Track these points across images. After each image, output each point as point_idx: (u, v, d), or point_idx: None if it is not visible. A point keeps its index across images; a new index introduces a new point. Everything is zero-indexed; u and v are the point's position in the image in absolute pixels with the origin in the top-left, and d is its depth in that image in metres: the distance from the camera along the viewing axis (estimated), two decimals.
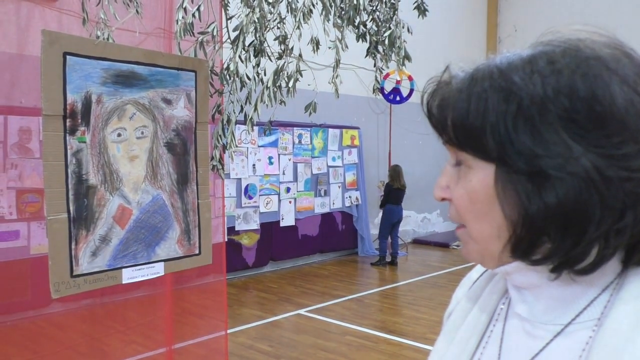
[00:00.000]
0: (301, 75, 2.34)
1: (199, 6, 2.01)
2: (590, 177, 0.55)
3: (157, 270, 1.98)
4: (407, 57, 2.68)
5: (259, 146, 7.42)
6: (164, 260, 2.01)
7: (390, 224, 8.08)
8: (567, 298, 0.62)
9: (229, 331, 3.66)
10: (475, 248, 0.65)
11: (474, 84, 0.61)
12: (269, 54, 2.25)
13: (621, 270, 0.62)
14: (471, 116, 0.60)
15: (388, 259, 8.15)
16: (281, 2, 2.22)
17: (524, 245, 0.60)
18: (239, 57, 2.08)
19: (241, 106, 2.24)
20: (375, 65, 2.73)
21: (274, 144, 7.61)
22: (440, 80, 0.66)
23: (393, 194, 8.01)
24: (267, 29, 2.19)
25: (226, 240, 5.25)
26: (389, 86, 8.11)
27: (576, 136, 0.56)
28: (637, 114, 0.56)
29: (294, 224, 7.91)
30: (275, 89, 2.20)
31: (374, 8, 2.60)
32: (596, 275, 0.60)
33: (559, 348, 0.61)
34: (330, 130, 8.36)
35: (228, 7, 2.23)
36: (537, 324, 0.64)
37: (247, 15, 2.02)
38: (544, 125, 0.56)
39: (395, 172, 8.05)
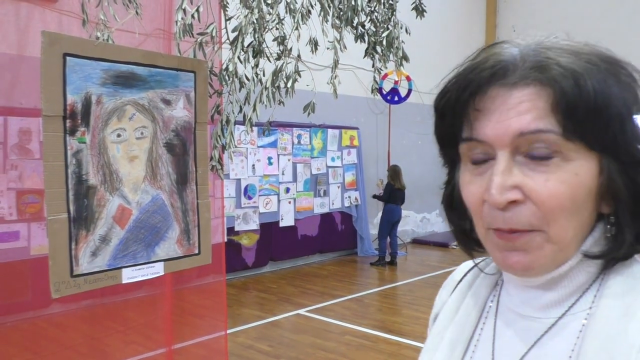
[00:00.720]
0: (300, 76, 2.35)
1: (198, 7, 2.02)
2: None
3: (156, 270, 1.99)
4: (405, 57, 2.70)
5: (258, 146, 7.43)
6: (164, 260, 2.02)
7: (390, 224, 8.10)
8: (565, 294, 0.63)
9: (228, 331, 3.67)
10: (550, 252, 0.59)
11: (592, 69, 0.56)
12: (268, 54, 2.26)
13: (604, 265, 0.63)
14: (599, 104, 0.55)
15: (387, 259, 8.16)
16: (280, 3, 2.23)
17: (627, 237, 0.59)
18: (238, 57, 2.09)
19: (240, 107, 2.25)
20: (373, 66, 2.74)
21: (273, 144, 7.62)
22: (496, 60, 0.58)
23: (394, 194, 8.02)
24: (266, 29, 2.20)
25: (226, 240, 5.26)
26: (387, 86, 8.12)
27: None
28: None
29: (293, 224, 7.92)
30: (274, 90, 2.21)
31: (372, 9, 2.61)
32: (593, 269, 0.62)
33: (553, 340, 0.62)
34: (330, 130, 8.37)
35: (227, 8, 2.24)
36: (530, 318, 0.65)
37: (246, 16, 2.03)
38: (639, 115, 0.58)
39: (394, 172, 8.07)
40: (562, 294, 0.63)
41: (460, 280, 0.79)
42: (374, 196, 8.45)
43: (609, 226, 0.60)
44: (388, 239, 8.18)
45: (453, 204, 0.70)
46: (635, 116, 0.57)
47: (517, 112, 0.57)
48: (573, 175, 0.56)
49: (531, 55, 0.57)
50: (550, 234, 0.58)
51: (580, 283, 0.63)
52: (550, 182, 0.56)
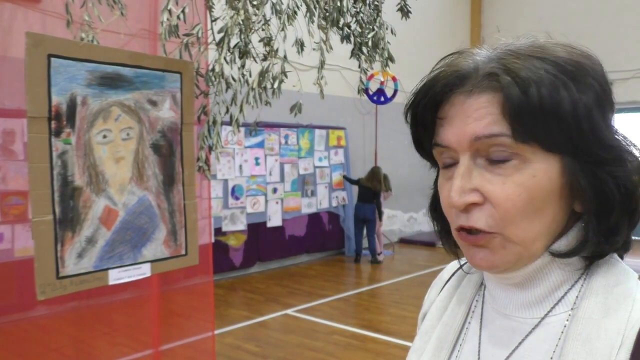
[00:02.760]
0: (286, 77, 2.35)
1: (184, 8, 2.02)
2: (637, 163, 0.60)
3: (143, 271, 1.99)
4: (390, 58, 2.72)
5: (245, 147, 7.42)
6: (151, 261, 2.02)
7: (357, 221, 8.28)
8: (543, 293, 0.64)
9: (216, 332, 3.66)
10: (514, 251, 0.61)
11: (541, 74, 0.57)
12: (254, 55, 2.26)
13: (587, 263, 0.64)
14: (561, 105, 0.57)
15: (372, 258, 8.26)
16: (266, 4, 2.24)
17: (591, 236, 0.60)
18: (224, 58, 2.09)
19: (227, 107, 2.25)
20: (359, 67, 2.75)
21: (261, 144, 7.61)
22: (454, 69, 0.62)
23: (361, 190, 8.19)
24: (252, 30, 2.21)
25: (213, 241, 5.24)
26: (373, 87, 8.15)
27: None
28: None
29: (281, 224, 7.92)
30: (260, 90, 2.22)
31: (358, 10, 2.62)
32: (571, 268, 0.63)
33: (537, 339, 0.63)
34: (317, 130, 8.38)
35: (213, 9, 2.25)
36: (514, 318, 0.66)
37: (231, 17, 2.04)
38: (609, 115, 0.59)
39: (371, 173, 8.18)
40: (538, 293, 0.64)
41: (448, 280, 0.80)
42: (344, 176, 8.65)
43: (583, 224, 0.62)
44: (363, 237, 8.37)
45: (436, 205, 0.72)
46: (598, 116, 0.59)
47: (474, 118, 0.59)
48: (530, 177, 0.58)
49: (486, 62, 0.60)
50: (509, 235, 0.60)
51: (557, 282, 0.64)
52: (506, 184, 0.59)
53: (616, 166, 0.58)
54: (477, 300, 0.73)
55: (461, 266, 0.78)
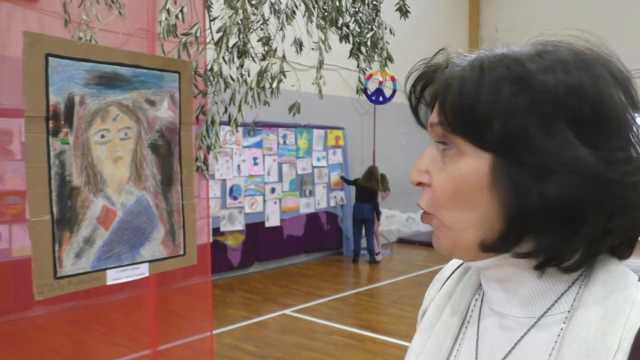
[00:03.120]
0: (285, 76, 2.35)
1: (182, 7, 2.01)
2: (592, 177, 0.56)
3: (141, 271, 1.98)
4: (389, 58, 2.71)
5: (243, 147, 7.41)
6: (149, 261, 2.01)
7: (355, 221, 8.27)
8: (540, 292, 0.64)
9: (214, 332, 3.66)
10: (448, 236, 0.65)
11: (485, 70, 0.59)
12: (253, 55, 2.26)
13: (584, 266, 0.63)
14: (481, 103, 0.58)
15: (368, 258, 8.27)
16: (264, 3, 2.23)
17: (512, 237, 0.60)
18: (223, 58, 2.09)
19: (225, 107, 2.25)
20: (358, 66, 2.75)
21: (259, 144, 7.61)
22: (431, 63, 0.66)
23: (358, 190, 8.19)
24: (251, 30, 2.20)
25: (211, 241, 5.23)
26: (372, 87, 8.15)
27: (582, 136, 0.57)
28: (627, 123, 0.59)
29: (279, 224, 7.91)
30: (259, 90, 2.21)
31: (357, 10, 2.62)
32: (521, 265, 0.63)
33: (533, 340, 0.63)
34: (315, 130, 8.38)
35: (211, 9, 2.24)
36: (511, 317, 0.66)
37: (230, 17, 2.03)
38: (554, 121, 0.57)
39: (368, 172, 8.18)
40: (523, 293, 0.64)
41: (449, 277, 0.80)
42: (342, 177, 8.65)
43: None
44: (362, 237, 8.40)
45: None
46: (532, 120, 0.57)
47: (435, 107, 0.65)
48: (460, 169, 0.61)
49: (453, 59, 0.65)
50: (441, 218, 0.64)
51: (534, 282, 0.63)
52: (442, 172, 0.63)
53: (545, 173, 0.57)
54: (476, 299, 0.73)
55: (462, 263, 0.78)
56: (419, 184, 0.66)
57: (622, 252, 0.64)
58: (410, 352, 0.75)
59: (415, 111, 0.70)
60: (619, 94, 0.59)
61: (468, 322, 0.72)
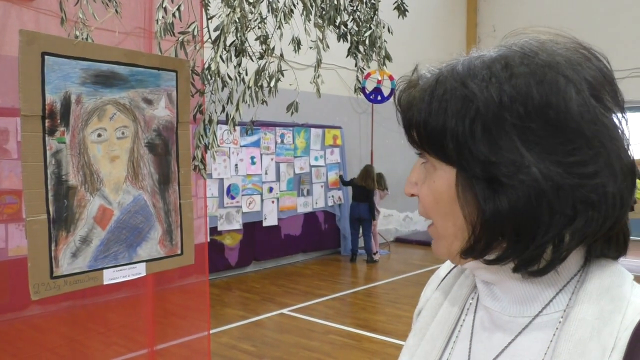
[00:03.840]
0: (283, 75, 2.34)
1: (179, 6, 2.00)
2: (539, 185, 0.56)
3: (138, 270, 1.97)
4: (387, 57, 2.71)
5: (241, 146, 7.40)
6: (146, 261, 2.00)
7: (352, 220, 8.28)
8: (534, 291, 0.64)
9: (211, 331, 3.65)
10: (442, 244, 0.67)
11: (437, 87, 0.62)
12: (250, 53, 2.25)
13: (584, 262, 0.64)
14: (432, 119, 0.61)
15: (366, 257, 8.28)
16: (262, 2, 2.22)
17: (480, 245, 0.61)
18: (220, 57, 2.08)
19: (223, 106, 2.24)
20: (356, 65, 2.74)
21: (256, 143, 7.60)
22: (410, 80, 0.68)
23: (355, 190, 8.18)
24: (248, 28, 2.19)
25: (208, 240, 5.22)
26: (370, 86, 8.15)
27: (530, 143, 0.57)
28: (592, 120, 0.57)
29: (276, 223, 7.91)
30: (256, 89, 2.20)
31: (355, 8, 2.62)
32: (560, 269, 0.62)
33: (528, 340, 0.63)
34: (313, 129, 8.37)
35: (208, 7, 2.23)
36: (506, 317, 0.66)
37: (227, 15, 2.02)
38: (500, 132, 0.57)
39: (363, 171, 8.19)
40: (513, 292, 0.65)
41: (445, 277, 0.80)
42: (340, 176, 8.67)
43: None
44: (359, 237, 8.41)
45: None
46: (476, 132, 0.59)
47: None
48: (434, 182, 0.65)
49: (422, 74, 0.67)
50: (436, 227, 0.67)
51: (547, 283, 0.63)
52: (424, 185, 0.66)
53: (496, 184, 0.58)
54: (472, 298, 0.74)
55: None
56: (413, 195, 0.69)
57: (615, 252, 0.64)
58: (405, 351, 0.76)
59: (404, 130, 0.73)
60: (583, 96, 0.57)
61: (464, 320, 0.73)
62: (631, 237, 0.67)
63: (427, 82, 0.64)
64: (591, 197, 0.57)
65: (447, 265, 0.82)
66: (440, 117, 0.61)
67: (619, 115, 0.61)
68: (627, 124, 0.61)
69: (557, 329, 0.61)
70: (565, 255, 0.60)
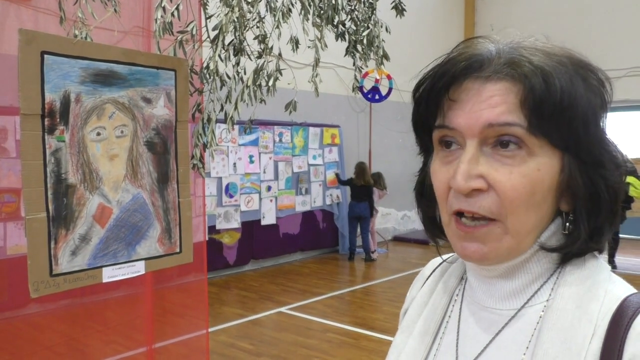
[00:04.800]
0: (281, 74, 2.35)
1: (178, 5, 2.01)
2: (619, 164, 0.63)
3: (137, 269, 1.98)
4: (385, 56, 2.72)
5: (239, 145, 7.40)
6: (145, 259, 2.01)
7: (351, 219, 8.28)
8: (521, 285, 0.66)
9: (210, 330, 3.66)
10: (507, 244, 0.62)
11: (561, 70, 0.59)
12: (249, 53, 2.26)
13: (562, 257, 0.66)
14: (564, 103, 0.58)
15: (364, 256, 8.28)
16: (260, 1, 2.23)
17: (578, 233, 0.63)
18: (219, 56, 2.09)
19: (221, 105, 2.24)
20: (354, 64, 2.75)
21: (255, 142, 7.60)
22: (474, 54, 0.61)
23: (353, 189, 8.19)
24: (247, 28, 2.20)
25: (207, 239, 5.23)
26: (368, 85, 8.16)
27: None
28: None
29: (275, 222, 7.91)
30: (255, 88, 2.21)
31: (353, 8, 2.62)
32: (545, 261, 0.65)
33: (513, 331, 0.65)
34: (311, 128, 8.38)
35: (207, 6, 2.24)
36: (492, 310, 0.68)
37: (226, 15, 2.03)
38: (600, 119, 0.62)
39: (359, 169, 8.19)
40: (518, 285, 0.66)
41: (429, 276, 0.82)
42: (337, 174, 8.63)
43: (567, 223, 0.63)
44: (357, 235, 8.41)
45: (424, 191, 0.73)
46: (601, 119, 0.62)
47: (489, 104, 0.59)
48: (535, 170, 0.59)
49: (506, 52, 0.60)
50: (509, 225, 0.60)
51: (536, 275, 0.66)
52: (513, 174, 0.59)
53: (609, 169, 0.61)
54: (457, 295, 0.75)
55: (443, 261, 0.80)
56: (474, 190, 0.60)
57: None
58: (393, 350, 0.77)
59: (427, 113, 0.65)
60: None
61: (449, 317, 0.74)
62: (630, 236, 0.70)
63: (544, 62, 0.59)
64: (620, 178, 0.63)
65: (431, 265, 0.84)
66: (572, 100, 0.58)
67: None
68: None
69: (540, 317, 0.63)
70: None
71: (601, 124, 0.62)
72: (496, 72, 0.59)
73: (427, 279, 0.81)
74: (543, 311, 0.64)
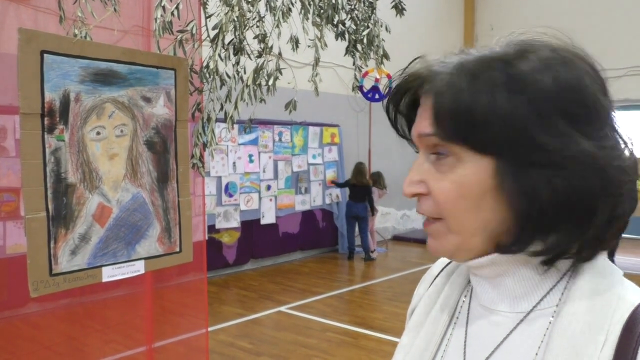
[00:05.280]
0: (281, 74, 2.35)
1: (178, 4, 2.01)
2: (596, 166, 0.58)
3: (137, 268, 1.98)
4: (385, 55, 2.72)
5: (239, 144, 7.40)
6: (145, 259, 2.01)
7: (348, 219, 8.31)
8: (530, 287, 0.65)
9: (209, 329, 3.66)
10: (453, 241, 0.65)
11: (477, 75, 0.60)
12: (249, 52, 2.26)
13: (572, 262, 0.64)
14: (479, 109, 0.59)
15: (363, 255, 8.29)
16: (260, 0, 2.23)
17: (527, 236, 0.61)
18: (219, 55, 2.09)
19: (221, 104, 2.24)
20: (354, 64, 2.75)
21: (254, 141, 7.60)
22: (410, 73, 0.67)
23: (351, 189, 8.21)
24: (247, 27, 2.20)
25: (206, 238, 5.23)
26: (368, 84, 8.15)
27: (580, 128, 0.59)
28: (606, 112, 0.61)
29: (274, 221, 7.91)
30: (255, 87, 2.21)
31: (353, 7, 2.62)
32: (538, 267, 0.64)
33: (522, 335, 0.64)
34: (311, 128, 8.37)
35: (207, 6, 2.24)
36: (500, 313, 0.66)
37: (226, 14, 2.03)
38: (552, 117, 0.58)
39: (356, 170, 8.20)
40: (510, 289, 0.65)
41: (438, 275, 0.81)
42: (332, 181, 8.65)
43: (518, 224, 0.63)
44: (355, 234, 8.44)
45: None
46: (534, 120, 0.58)
47: (422, 117, 0.65)
48: (462, 176, 0.62)
49: (435, 68, 0.64)
50: (449, 224, 0.64)
51: (528, 278, 0.64)
52: (443, 181, 0.63)
53: (553, 170, 0.58)
54: (465, 296, 0.74)
55: (450, 262, 0.79)
56: (415, 195, 0.66)
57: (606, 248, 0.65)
58: (400, 349, 0.76)
59: (395, 124, 0.72)
60: (598, 87, 0.61)
61: (457, 318, 0.73)
62: (630, 236, 0.68)
63: (456, 70, 0.61)
64: (626, 178, 0.60)
65: (440, 263, 0.82)
66: (488, 105, 0.59)
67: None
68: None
69: (550, 323, 0.62)
70: (607, 242, 0.62)
71: (537, 124, 0.58)
72: (430, 89, 0.64)
73: (435, 278, 0.80)
74: (553, 316, 0.62)
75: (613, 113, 0.62)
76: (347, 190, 8.70)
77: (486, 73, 0.60)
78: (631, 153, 0.62)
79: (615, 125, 0.62)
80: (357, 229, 8.43)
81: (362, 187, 8.10)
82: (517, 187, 0.60)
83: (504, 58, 0.61)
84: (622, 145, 0.62)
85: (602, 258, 0.64)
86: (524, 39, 0.63)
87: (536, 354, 0.62)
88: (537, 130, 0.58)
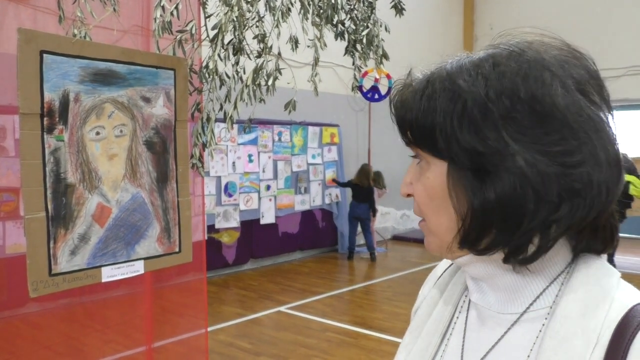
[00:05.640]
0: (280, 74, 2.35)
1: (177, 4, 2.01)
2: (524, 173, 0.58)
3: (137, 268, 1.98)
4: (384, 55, 2.72)
5: (238, 144, 7.40)
6: (144, 259, 2.01)
7: (351, 219, 8.31)
8: (521, 288, 0.65)
9: (209, 329, 3.66)
10: (434, 240, 0.69)
11: (427, 86, 0.65)
12: (248, 52, 2.26)
13: (572, 259, 0.65)
14: (423, 116, 0.64)
15: (363, 255, 8.30)
16: (259, 0, 2.23)
17: (471, 236, 0.63)
18: (218, 55, 2.08)
19: (221, 104, 2.24)
20: (353, 64, 2.75)
21: (254, 141, 7.60)
22: (404, 83, 0.70)
23: (354, 189, 8.23)
24: (246, 27, 2.20)
25: (206, 238, 5.23)
26: (367, 84, 8.15)
27: (517, 134, 0.59)
28: (577, 112, 0.59)
29: (274, 221, 7.91)
30: (254, 87, 2.21)
31: (352, 7, 2.62)
32: (546, 265, 0.64)
33: (516, 336, 0.65)
34: (310, 127, 8.38)
35: (206, 6, 2.23)
36: (494, 313, 0.67)
37: (225, 14, 2.03)
38: (486, 124, 0.60)
39: (360, 170, 8.23)
40: (501, 288, 0.66)
41: (441, 275, 0.82)
42: (334, 179, 8.64)
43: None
44: (356, 234, 8.45)
45: None
46: (464, 124, 0.61)
47: None
48: (427, 179, 0.67)
49: (407, 81, 0.70)
50: (428, 225, 0.69)
51: (511, 279, 0.65)
52: (418, 183, 0.69)
53: (483, 176, 0.60)
54: (465, 296, 0.75)
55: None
56: (409, 195, 0.71)
57: (602, 246, 0.66)
58: (401, 349, 0.77)
59: (399, 131, 0.76)
60: (569, 90, 0.60)
61: (457, 318, 0.74)
62: (630, 235, 0.68)
63: (419, 82, 0.67)
64: (575, 185, 0.59)
65: (444, 263, 0.83)
66: (430, 113, 0.63)
67: (605, 110, 0.63)
68: (613, 119, 0.64)
69: (543, 325, 0.63)
70: (552, 244, 0.61)
71: (466, 128, 0.60)
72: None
73: (439, 278, 0.82)
74: (546, 318, 0.63)
75: (592, 114, 0.60)
76: (347, 190, 8.70)
77: (432, 86, 0.65)
78: (612, 155, 0.60)
79: (586, 127, 0.59)
80: (359, 229, 8.43)
81: (365, 188, 8.10)
82: (459, 190, 0.63)
83: (450, 70, 0.64)
84: (592, 148, 0.59)
85: (598, 260, 0.65)
86: (501, 42, 0.65)
87: (528, 356, 0.62)
88: (466, 136, 0.60)
